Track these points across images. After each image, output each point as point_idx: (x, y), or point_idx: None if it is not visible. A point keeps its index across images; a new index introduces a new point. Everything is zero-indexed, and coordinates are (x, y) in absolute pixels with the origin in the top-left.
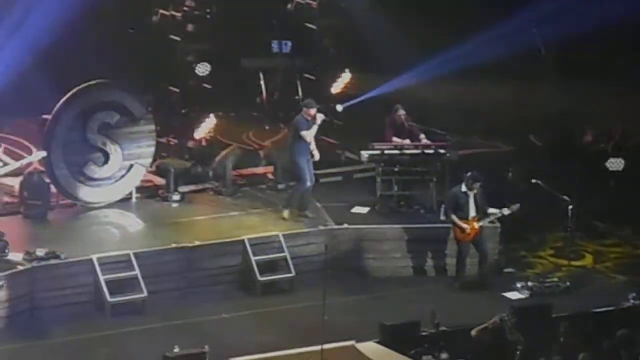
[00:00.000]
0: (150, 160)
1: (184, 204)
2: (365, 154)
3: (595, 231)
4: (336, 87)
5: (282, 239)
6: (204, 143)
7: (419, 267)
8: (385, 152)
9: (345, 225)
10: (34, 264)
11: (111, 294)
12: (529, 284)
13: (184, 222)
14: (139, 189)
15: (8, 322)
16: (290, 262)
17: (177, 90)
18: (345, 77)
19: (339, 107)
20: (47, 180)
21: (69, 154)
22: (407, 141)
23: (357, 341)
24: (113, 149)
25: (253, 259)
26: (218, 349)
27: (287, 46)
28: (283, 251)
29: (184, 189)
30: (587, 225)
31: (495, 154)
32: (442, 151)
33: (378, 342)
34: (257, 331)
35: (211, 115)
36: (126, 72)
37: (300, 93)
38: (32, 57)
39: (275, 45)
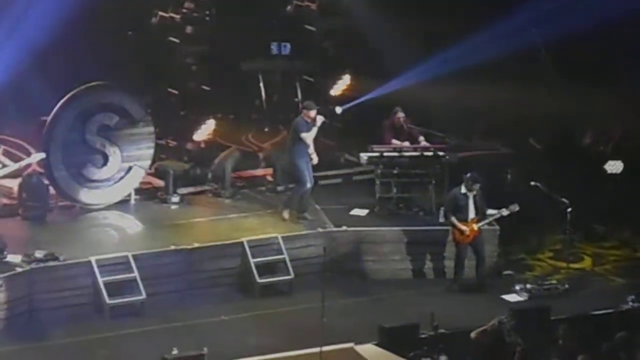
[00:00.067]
0: (149, 162)
1: (183, 206)
2: (364, 156)
3: (595, 234)
4: (336, 90)
5: (281, 241)
6: (203, 145)
7: (418, 269)
8: (385, 154)
9: (344, 228)
10: (33, 265)
11: (110, 296)
12: (528, 286)
13: (183, 224)
14: (137, 191)
15: (7, 324)
16: (289, 264)
17: (176, 92)
18: (345, 79)
19: (338, 109)
20: (46, 181)
21: (68, 155)
22: (406, 143)
23: (356, 343)
24: (112, 151)
25: (252, 261)
26: (217, 351)
27: (287, 48)
28: (282, 253)
29: (183, 190)
30: (586, 228)
31: (494, 156)
32: (441, 153)
33: (377, 345)
34: (256, 333)
35: (210, 118)
36: (125, 74)
37: (299, 95)
38: (31, 58)
39: (274, 47)
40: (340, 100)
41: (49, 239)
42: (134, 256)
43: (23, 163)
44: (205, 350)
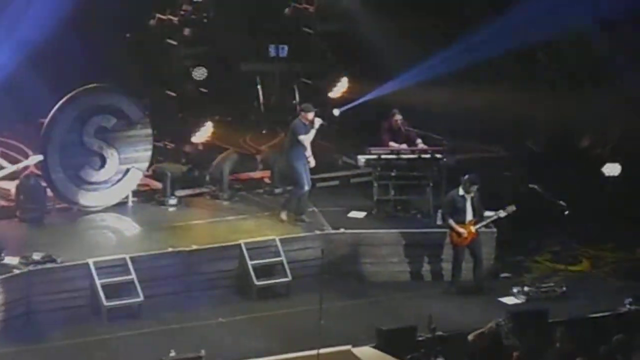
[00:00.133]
0: (147, 164)
1: (181, 208)
2: (362, 158)
3: (593, 236)
4: (334, 92)
5: (278, 243)
6: (200, 147)
7: (415, 271)
8: (382, 156)
9: (342, 230)
10: (31, 267)
11: (107, 298)
12: (526, 288)
13: (181, 226)
14: (135, 193)
15: (4, 326)
16: (286, 266)
17: (174, 94)
18: (343, 81)
19: (336, 112)
20: (44, 183)
21: (65, 157)
22: (404, 146)
23: (353, 346)
24: (110, 153)
25: (250, 263)
26: (214, 354)
27: (284, 51)
28: (280, 255)
29: (180, 193)
30: (584, 230)
31: (492, 159)
32: (438, 156)
33: (374, 347)
34: (253, 336)
35: (208, 120)
36: (123, 76)
37: (297, 97)
38: (29, 60)
39: (272, 49)
40: (339, 102)
41: (47, 241)
42: (132, 258)
43: (21, 165)
44: (203, 352)
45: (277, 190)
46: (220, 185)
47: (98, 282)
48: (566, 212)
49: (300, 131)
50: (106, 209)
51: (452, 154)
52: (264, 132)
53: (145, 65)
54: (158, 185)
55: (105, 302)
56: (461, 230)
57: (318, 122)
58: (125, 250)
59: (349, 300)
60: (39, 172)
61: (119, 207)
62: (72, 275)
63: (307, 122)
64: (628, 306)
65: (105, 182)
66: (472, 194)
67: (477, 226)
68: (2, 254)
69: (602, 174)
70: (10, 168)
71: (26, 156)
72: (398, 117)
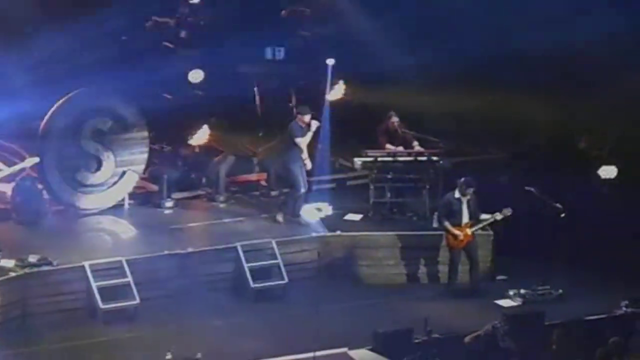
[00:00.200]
0: (143, 166)
1: (177, 210)
2: (358, 161)
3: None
4: (332, 95)
5: (275, 245)
6: (197, 150)
7: (411, 274)
8: (379, 159)
9: (339, 232)
10: (27, 270)
11: (103, 300)
12: (522, 291)
13: (177, 229)
14: (131, 196)
15: (0, 328)
16: (283, 268)
17: (170, 97)
18: (340, 84)
19: (315, 124)
20: (40, 186)
21: (61, 160)
22: (401, 148)
23: (349, 348)
24: (106, 156)
25: (246, 265)
26: (211, 356)
27: (281, 53)
28: (276, 258)
29: (177, 195)
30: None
31: (488, 161)
32: (435, 158)
33: (371, 350)
34: (250, 338)
35: (204, 122)
36: (119, 78)
37: (294, 100)
38: (26, 62)
39: (268, 52)
40: (337, 105)
41: (43, 243)
42: (128, 261)
43: (17, 167)
44: (199, 355)
45: (274, 193)
46: (216, 188)
47: (94, 285)
48: (562, 215)
49: (296, 134)
50: (102, 212)
51: (448, 157)
52: (260, 134)
53: (142, 68)
54: (154, 187)
55: (101, 305)
56: (457, 232)
57: (315, 124)
58: (122, 253)
59: (345, 302)
60: (35, 175)
61: (115, 209)
62: (68, 277)
63: (303, 125)
64: (624, 308)
65: (101, 184)
66: (468, 197)
67: (473, 229)
68: None
69: (599, 176)
70: (6, 170)
71: (22, 158)
72: (395, 119)
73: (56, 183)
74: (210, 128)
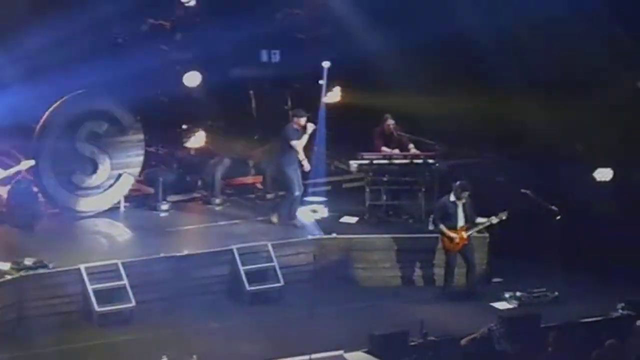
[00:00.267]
0: (138, 169)
1: (173, 213)
2: (354, 163)
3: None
4: (329, 98)
5: (270, 248)
6: (192, 152)
7: (407, 276)
8: (374, 161)
9: (334, 235)
10: (22, 273)
11: (99, 303)
12: (518, 294)
13: (173, 232)
14: (127, 198)
15: None
16: (278, 271)
17: (165, 99)
18: (336, 87)
19: (311, 126)
20: (35, 189)
21: (57, 162)
22: (396, 151)
23: (345, 351)
24: (101, 158)
25: (242, 268)
26: (206, 359)
27: (276, 56)
28: (272, 261)
29: (172, 198)
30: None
31: (484, 164)
32: (431, 161)
33: (366, 352)
34: (245, 341)
35: (200, 125)
36: (115, 81)
37: (289, 103)
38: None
39: (264, 54)
40: (333, 108)
41: (38, 246)
42: (124, 264)
43: (12, 170)
44: (195, 357)
45: (269, 196)
46: (212, 191)
47: (90, 288)
48: (558, 217)
49: (292, 136)
50: (98, 214)
51: (444, 159)
52: (255, 137)
53: (138, 70)
54: (150, 190)
55: (97, 308)
56: (453, 235)
57: (311, 127)
58: (117, 256)
59: (341, 305)
60: (30, 177)
61: (111, 212)
62: (63, 280)
63: (299, 128)
64: (620, 311)
65: (97, 187)
66: (463, 200)
67: (469, 232)
68: None
69: (594, 179)
70: (1, 173)
71: (18, 161)
72: (390, 121)
73: (52, 186)
74: (206, 132)
